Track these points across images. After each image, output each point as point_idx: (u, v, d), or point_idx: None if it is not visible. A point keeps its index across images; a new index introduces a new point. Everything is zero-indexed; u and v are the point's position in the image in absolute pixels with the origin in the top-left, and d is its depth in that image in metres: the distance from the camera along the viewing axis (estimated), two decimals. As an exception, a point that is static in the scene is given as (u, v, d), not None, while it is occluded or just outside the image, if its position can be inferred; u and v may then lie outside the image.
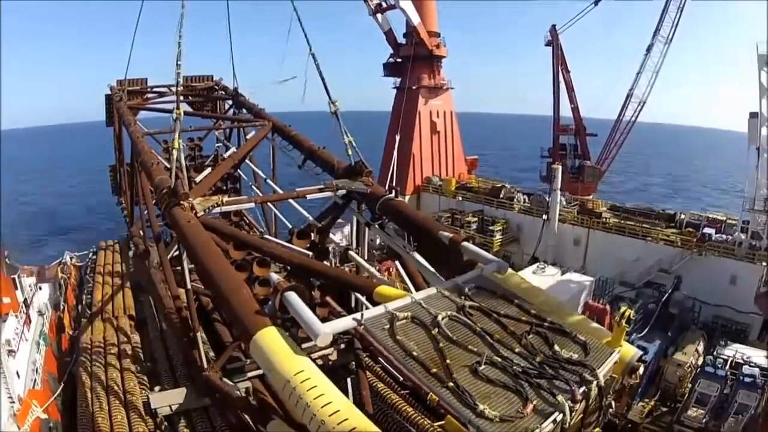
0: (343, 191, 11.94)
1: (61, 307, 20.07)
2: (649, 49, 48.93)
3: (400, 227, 11.15)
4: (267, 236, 15.29)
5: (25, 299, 16.70)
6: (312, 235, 12.03)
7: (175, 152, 10.58)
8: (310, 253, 11.40)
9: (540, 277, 33.24)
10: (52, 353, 16.44)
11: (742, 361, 26.52)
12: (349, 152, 12.80)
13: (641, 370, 21.91)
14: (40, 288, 19.30)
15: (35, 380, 14.05)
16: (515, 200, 44.72)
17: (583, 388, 5.91)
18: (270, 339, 6.45)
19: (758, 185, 34.29)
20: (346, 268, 12.95)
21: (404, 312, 7.24)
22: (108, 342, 13.92)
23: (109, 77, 22.59)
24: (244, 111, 20.25)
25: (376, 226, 11.64)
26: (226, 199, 11.18)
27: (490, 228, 42.58)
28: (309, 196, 11.88)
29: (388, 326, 6.93)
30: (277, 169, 18.04)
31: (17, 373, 13.07)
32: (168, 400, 10.28)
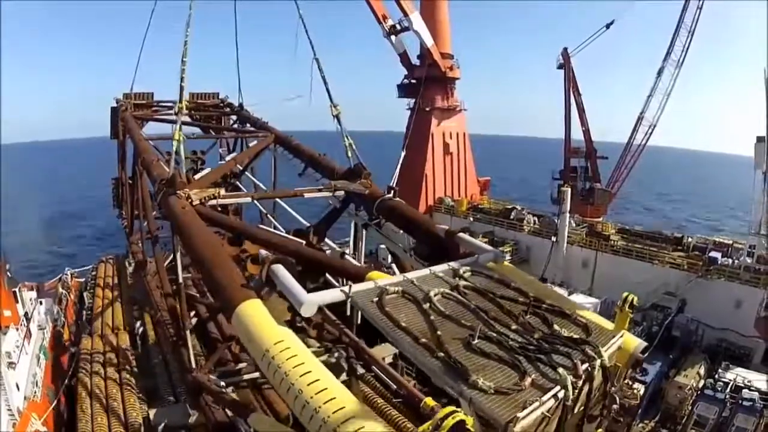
0: (341, 192, 12.12)
1: (61, 323, 20.12)
2: (660, 73, 49.45)
3: (397, 226, 11.22)
4: (262, 226, 15.08)
5: (26, 313, 16.65)
6: (309, 236, 12.05)
7: (175, 143, 10.78)
8: (302, 241, 11.34)
9: (546, 298, 34.01)
10: (52, 367, 16.44)
11: (742, 385, 26.98)
12: (349, 155, 13.09)
13: (642, 390, 22.72)
14: (41, 303, 19.32)
15: (35, 393, 13.98)
16: (525, 222, 45.49)
17: (586, 365, 5.60)
18: (252, 310, 6.37)
19: (765, 209, 34.78)
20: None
21: (395, 287, 7.09)
22: (107, 357, 14.11)
23: (112, 92, 23.05)
24: (249, 125, 20.58)
25: (373, 225, 11.82)
26: (222, 192, 11.20)
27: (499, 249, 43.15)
28: (307, 195, 12.04)
29: (377, 299, 6.75)
30: (278, 180, 18.43)
31: (17, 385, 13.00)
32: (168, 416, 10.33)
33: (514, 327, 6.41)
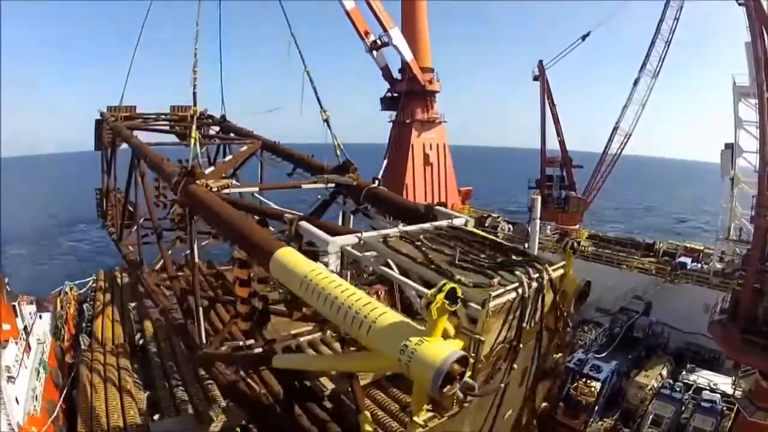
0: (333, 184, 13.60)
1: (61, 336, 20.13)
2: (636, 83, 50.07)
3: (383, 210, 12.60)
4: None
5: (25, 326, 16.60)
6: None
7: (192, 140, 12.39)
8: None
9: (513, 302, 34.08)
10: (52, 381, 16.38)
11: (704, 387, 26.95)
12: (338, 153, 14.83)
13: (598, 384, 22.74)
14: (40, 316, 19.26)
15: (35, 407, 13.97)
16: (500, 229, 45.71)
17: (536, 275, 6.99)
18: (288, 254, 7.71)
19: (731, 215, 35.06)
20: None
21: (395, 234, 8.72)
22: (108, 370, 14.27)
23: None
24: (233, 135, 21.36)
25: (362, 211, 13.09)
26: (234, 182, 12.91)
27: (473, 255, 43.37)
28: (304, 186, 13.72)
29: (382, 240, 8.39)
30: (264, 182, 18.73)
31: (16, 399, 12.99)
32: (168, 428, 10.80)
33: (482, 255, 7.95)
